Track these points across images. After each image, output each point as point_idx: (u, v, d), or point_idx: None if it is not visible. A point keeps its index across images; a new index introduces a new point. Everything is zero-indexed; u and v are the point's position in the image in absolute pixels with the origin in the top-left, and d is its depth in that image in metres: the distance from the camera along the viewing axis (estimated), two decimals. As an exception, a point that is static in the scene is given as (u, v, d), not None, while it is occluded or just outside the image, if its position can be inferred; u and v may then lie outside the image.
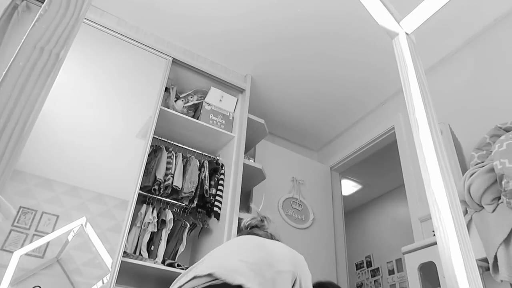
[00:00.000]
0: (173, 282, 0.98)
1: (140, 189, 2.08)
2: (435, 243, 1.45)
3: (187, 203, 2.31)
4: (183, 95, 2.68)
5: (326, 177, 3.45)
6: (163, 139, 2.45)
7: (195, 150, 2.58)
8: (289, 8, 2.42)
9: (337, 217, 3.30)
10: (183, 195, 2.27)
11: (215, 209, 2.30)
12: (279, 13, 2.46)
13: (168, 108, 2.46)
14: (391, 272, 4.27)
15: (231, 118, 2.69)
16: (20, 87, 0.53)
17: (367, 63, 2.79)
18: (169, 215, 2.20)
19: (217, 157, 2.64)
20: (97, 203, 1.94)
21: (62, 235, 1.65)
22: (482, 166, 1.64)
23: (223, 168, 2.51)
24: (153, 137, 2.26)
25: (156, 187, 2.19)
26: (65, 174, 1.91)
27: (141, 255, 2.03)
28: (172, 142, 2.49)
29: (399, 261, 4.20)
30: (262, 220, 1.41)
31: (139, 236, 2.10)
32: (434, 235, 1.77)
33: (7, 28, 2.02)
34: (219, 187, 2.40)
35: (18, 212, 1.73)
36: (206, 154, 2.61)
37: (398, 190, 4.42)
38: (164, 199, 2.25)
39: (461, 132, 2.20)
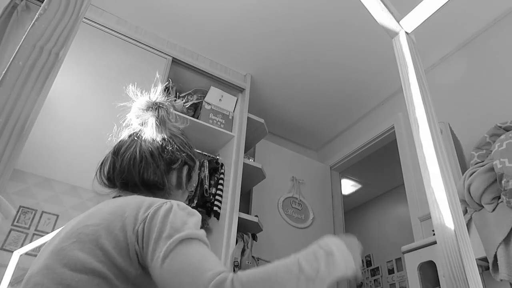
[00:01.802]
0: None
1: (140, 188, 2.08)
2: (435, 243, 1.45)
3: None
4: (182, 94, 2.67)
5: (326, 177, 3.45)
6: (163, 138, 2.44)
7: (195, 150, 2.57)
8: (289, 8, 2.41)
9: (337, 216, 3.30)
10: (183, 194, 2.27)
11: (215, 208, 2.30)
12: (279, 13, 2.46)
13: (168, 107, 2.46)
14: (390, 271, 4.27)
15: (230, 117, 2.68)
16: (20, 86, 0.53)
17: (367, 62, 2.79)
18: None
19: (217, 157, 2.64)
20: (97, 203, 1.94)
21: (62, 235, 1.65)
22: (482, 166, 1.64)
23: (223, 168, 2.51)
24: (153, 137, 2.26)
25: (156, 186, 2.19)
26: (64, 174, 1.91)
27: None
28: (172, 142, 2.49)
29: (398, 261, 4.21)
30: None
31: (139, 236, 2.09)
32: (434, 234, 1.77)
33: (7, 27, 2.01)
34: (219, 186, 2.40)
35: (18, 211, 1.73)
36: (206, 154, 2.61)
37: (398, 189, 4.42)
38: (164, 198, 2.25)
39: (461, 132, 2.20)
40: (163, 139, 0.86)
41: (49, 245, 0.74)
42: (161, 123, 0.87)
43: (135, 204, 0.70)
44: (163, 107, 0.89)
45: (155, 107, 0.89)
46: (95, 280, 0.61)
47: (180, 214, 0.67)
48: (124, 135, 0.89)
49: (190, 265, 0.59)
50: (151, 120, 0.87)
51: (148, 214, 0.66)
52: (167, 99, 0.92)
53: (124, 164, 0.83)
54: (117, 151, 0.86)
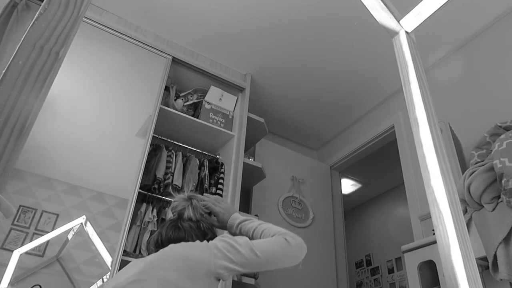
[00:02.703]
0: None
1: (140, 188, 2.08)
2: (435, 242, 1.45)
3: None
4: (182, 94, 2.67)
5: (326, 176, 3.45)
6: (163, 138, 2.44)
7: (195, 149, 2.57)
8: (289, 7, 2.41)
9: (337, 216, 3.30)
10: (183, 194, 2.27)
11: (215, 208, 2.30)
12: (279, 12, 2.46)
13: (168, 107, 2.46)
14: (390, 271, 4.28)
15: (231, 117, 2.68)
16: (20, 86, 0.53)
17: (367, 61, 2.78)
18: (169, 214, 2.20)
19: (217, 156, 2.64)
20: (97, 202, 1.94)
21: (62, 234, 1.65)
22: (482, 165, 1.64)
23: (223, 167, 2.51)
24: (153, 136, 2.26)
25: (156, 186, 2.19)
26: (64, 173, 1.91)
27: (141, 254, 2.03)
28: (172, 141, 2.49)
29: (398, 260, 4.21)
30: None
31: (139, 235, 2.10)
32: (434, 234, 1.77)
33: (7, 26, 2.01)
34: (219, 186, 2.40)
35: (18, 211, 1.73)
36: (206, 153, 2.61)
37: (398, 189, 4.41)
38: (164, 198, 2.25)
39: (461, 131, 2.20)
40: (197, 220, 1.17)
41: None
42: (194, 208, 1.19)
43: (194, 243, 1.03)
44: (194, 198, 1.22)
45: (189, 198, 1.22)
46: (181, 281, 0.89)
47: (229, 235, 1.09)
48: (168, 221, 1.20)
49: (267, 242, 1.05)
50: (188, 207, 1.20)
51: (212, 244, 1.00)
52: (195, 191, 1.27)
53: (171, 234, 1.13)
54: (163, 229, 1.16)
